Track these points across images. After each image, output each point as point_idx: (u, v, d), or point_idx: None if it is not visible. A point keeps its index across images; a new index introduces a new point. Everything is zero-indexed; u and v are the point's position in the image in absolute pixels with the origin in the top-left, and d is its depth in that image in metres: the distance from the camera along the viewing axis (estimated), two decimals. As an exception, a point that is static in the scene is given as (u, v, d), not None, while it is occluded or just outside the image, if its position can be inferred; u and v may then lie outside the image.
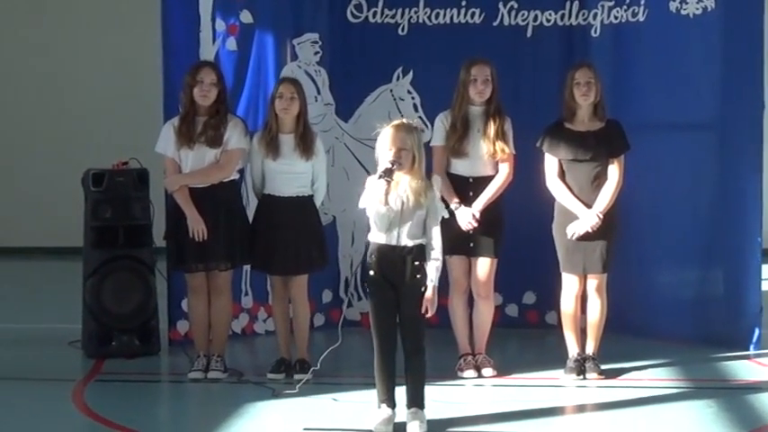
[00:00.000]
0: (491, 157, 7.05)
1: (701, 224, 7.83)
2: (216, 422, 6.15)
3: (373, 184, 5.80)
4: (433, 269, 5.85)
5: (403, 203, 5.79)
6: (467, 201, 6.99)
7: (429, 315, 5.89)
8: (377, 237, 5.86)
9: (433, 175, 6.12)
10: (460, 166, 7.07)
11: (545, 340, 8.04)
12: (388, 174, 5.74)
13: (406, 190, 5.80)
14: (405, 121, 6.00)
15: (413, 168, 5.84)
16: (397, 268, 5.84)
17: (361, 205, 5.88)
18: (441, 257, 5.91)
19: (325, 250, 7.25)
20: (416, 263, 5.85)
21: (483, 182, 7.04)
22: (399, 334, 5.90)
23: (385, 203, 5.75)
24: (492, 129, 7.04)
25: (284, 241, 6.97)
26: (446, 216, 6.05)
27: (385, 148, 5.84)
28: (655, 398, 6.60)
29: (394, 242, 5.83)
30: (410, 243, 5.84)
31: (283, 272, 7.06)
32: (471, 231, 6.94)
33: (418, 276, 5.84)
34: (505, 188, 7.07)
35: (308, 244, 7.04)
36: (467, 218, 6.93)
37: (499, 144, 7.03)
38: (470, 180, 7.05)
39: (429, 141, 7.17)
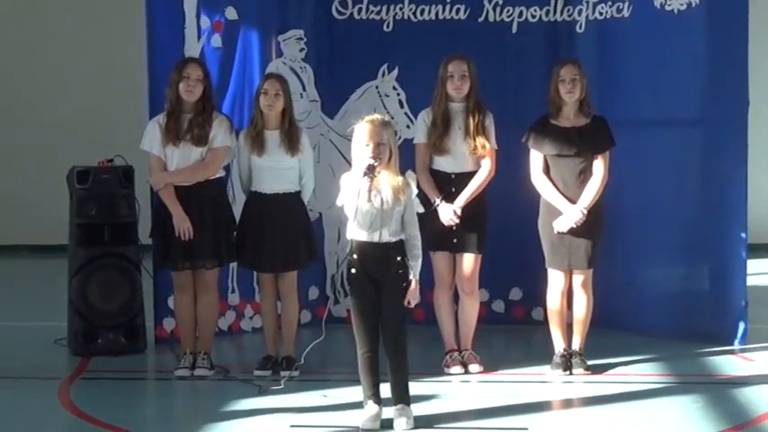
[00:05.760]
0: (472, 152, 7.03)
1: (686, 220, 7.84)
2: (202, 419, 6.14)
3: (352, 181, 5.77)
4: (414, 264, 5.84)
5: (383, 201, 5.76)
6: (449, 197, 6.97)
7: (412, 306, 5.89)
8: (358, 234, 5.83)
9: (408, 171, 6.08)
10: (443, 163, 7.06)
11: (531, 336, 8.04)
12: (371, 171, 5.71)
13: (385, 187, 5.78)
14: (379, 116, 5.98)
15: (389, 163, 5.82)
16: (380, 265, 5.82)
17: (339, 203, 5.86)
18: (420, 252, 5.90)
19: (314, 246, 7.23)
20: (399, 258, 5.84)
21: (466, 177, 7.03)
22: (381, 332, 5.88)
23: (368, 200, 5.71)
24: (472, 125, 7.02)
25: (272, 238, 6.95)
26: (420, 211, 6.03)
27: (362, 143, 5.81)
28: (641, 393, 6.61)
29: (376, 239, 5.79)
30: (392, 239, 5.83)
31: (272, 269, 7.04)
32: (454, 227, 6.94)
33: (400, 272, 5.83)
34: (488, 183, 7.06)
35: (296, 240, 7.02)
36: (448, 214, 6.92)
37: (480, 140, 7.02)
38: (453, 176, 7.04)
39: (413, 138, 7.21)
